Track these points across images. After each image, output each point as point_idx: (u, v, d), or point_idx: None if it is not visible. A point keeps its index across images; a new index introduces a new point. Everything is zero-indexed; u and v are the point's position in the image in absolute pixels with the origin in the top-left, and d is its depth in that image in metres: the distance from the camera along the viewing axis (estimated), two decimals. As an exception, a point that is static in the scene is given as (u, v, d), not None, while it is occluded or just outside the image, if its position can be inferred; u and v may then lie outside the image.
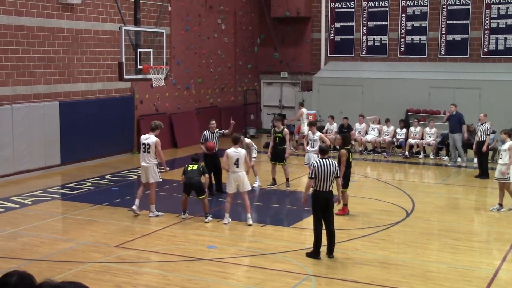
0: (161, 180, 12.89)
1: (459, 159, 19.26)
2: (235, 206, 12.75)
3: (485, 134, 16.99)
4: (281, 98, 27.29)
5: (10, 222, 12.18)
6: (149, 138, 12.62)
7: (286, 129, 15.57)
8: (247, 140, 15.35)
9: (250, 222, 12.06)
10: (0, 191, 14.84)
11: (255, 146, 15.63)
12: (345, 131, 21.16)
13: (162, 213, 12.80)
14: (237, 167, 11.97)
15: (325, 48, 25.97)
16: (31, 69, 16.77)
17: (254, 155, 15.39)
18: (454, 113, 19.18)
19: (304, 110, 21.54)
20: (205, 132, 14.80)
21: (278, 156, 15.49)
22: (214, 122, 14.98)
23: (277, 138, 15.47)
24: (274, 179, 15.73)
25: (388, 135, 21.10)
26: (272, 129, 16.08)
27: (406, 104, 23.00)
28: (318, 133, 15.28)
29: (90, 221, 12.35)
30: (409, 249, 10.72)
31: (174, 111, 22.43)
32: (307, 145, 15.31)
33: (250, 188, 12.28)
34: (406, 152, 20.32)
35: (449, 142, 19.53)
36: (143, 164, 12.65)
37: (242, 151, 12.12)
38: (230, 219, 12.15)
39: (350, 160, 12.88)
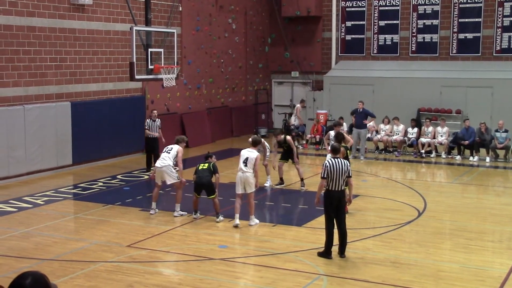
0: (178, 180, 12.78)
1: (361, 156, 19.87)
2: (245, 205, 12.73)
3: None
4: (292, 98, 27.24)
5: (22, 222, 12.25)
6: (174, 146, 12.84)
7: (288, 137, 15.60)
8: (261, 139, 15.37)
9: (252, 223, 12.03)
10: (12, 191, 14.95)
11: (268, 145, 15.64)
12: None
13: (186, 212, 12.77)
14: (245, 165, 11.90)
15: (336, 47, 25.91)
16: (43, 70, 16.86)
17: (268, 153, 15.43)
18: (361, 110, 19.90)
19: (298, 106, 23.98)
20: (147, 120, 17.47)
21: (288, 156, 15.54)
22: (155, 111, 17.56)
23: (286, 147, 15.53)
24: (281, 179, 15.72)
25: (398, 133, 21.00)
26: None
27: (418, 103, 22.88)
28: None
29: (102, 221, 12.39)
30: (421, 249, 10.68)
31: (185, 111, 22.45)
32: (329, 145, 15.18)
33: (254, 189, 12.09)
34: (422, 150, 20.20)
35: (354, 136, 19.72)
36: (158, 164, 12.70)
37: (255, 153, 11.99)
38: (238, 222, 11.88)
39: (349, 158, 12.59)
